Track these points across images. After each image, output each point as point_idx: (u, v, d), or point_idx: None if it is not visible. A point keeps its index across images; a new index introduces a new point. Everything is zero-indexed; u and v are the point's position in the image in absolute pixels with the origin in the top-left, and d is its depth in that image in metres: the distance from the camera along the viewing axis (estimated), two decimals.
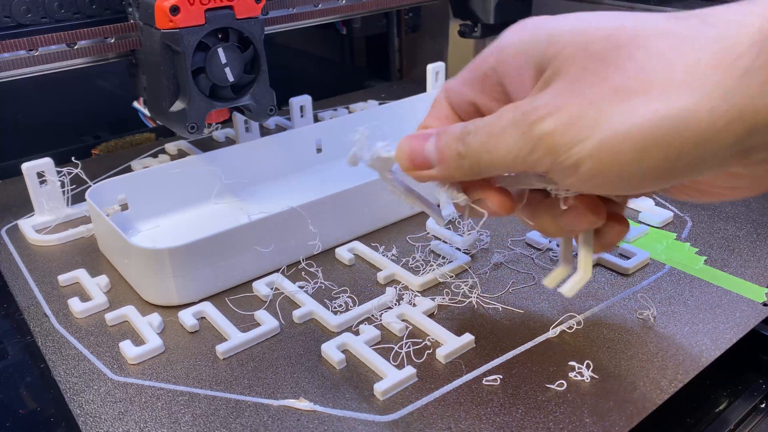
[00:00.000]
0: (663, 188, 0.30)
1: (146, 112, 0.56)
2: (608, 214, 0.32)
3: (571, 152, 0.25)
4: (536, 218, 0.34)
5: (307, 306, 0.43)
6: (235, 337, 0.40)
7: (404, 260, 0.48)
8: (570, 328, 0.40)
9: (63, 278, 0.47)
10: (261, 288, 0.45)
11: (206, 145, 0.69)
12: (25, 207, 0.56)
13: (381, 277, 0.46)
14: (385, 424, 0.34)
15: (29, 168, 0.52)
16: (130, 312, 0.43)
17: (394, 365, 0.38)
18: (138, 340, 0.41)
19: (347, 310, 0.43)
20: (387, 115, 0.67)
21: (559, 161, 0.26)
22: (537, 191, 0.34)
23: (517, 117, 0.27)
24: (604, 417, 0.34)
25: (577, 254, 0.35)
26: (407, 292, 0.44)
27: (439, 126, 0.33)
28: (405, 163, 0.32)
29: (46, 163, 0.53)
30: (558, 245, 0.49)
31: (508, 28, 0.32)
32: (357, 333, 0.41)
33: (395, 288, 0.45)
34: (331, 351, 0.39)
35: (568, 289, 0.35)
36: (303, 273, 0.47)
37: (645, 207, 0.54)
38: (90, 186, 0.51)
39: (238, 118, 0.65)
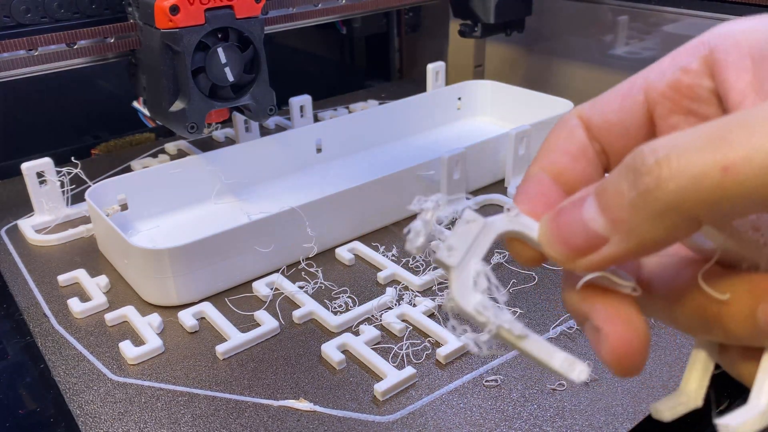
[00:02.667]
0: None
1: (146, 112, 0.56)
2: None
3: None
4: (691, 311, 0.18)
5: (307, 306, 0.43)
6: (234, 338, 0.40)
7: (404, 260, 0.48)
8: (570, 328, 0.40)
9: (62, 278, 0.47)
10: (261, 288, 0.45)
11: (206, 144, 0.69)
12: (24, 207, 0.56)
13: (381, 277, 0.46)
14: (385, 425, 0.34)
15: (29, 168, 0.52)
16: (129, 312, 0.43)
17: (394, 366, 0.38)
18: (138, 341, 0.41)
19: (347, 310, 0.43)
20: (387, 114, 0.67)
21: None
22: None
23: None
24: (605, 417, 0.34)
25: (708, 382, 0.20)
26: (407, 292, 0.44)
27: (575, 167, 0.21)
28: (558, 249, 0.19)
29: (45, 163, 0.53)
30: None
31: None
32: (357, 333, 0.41)
33: (395, 288, 0.45)
34: (331, 351, 0.39)
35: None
36: (303, 273, 0.47)
37: None
38: (90, 186, 0.51)
39: (238, 117, 0.65)
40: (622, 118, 0.21)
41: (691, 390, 0.20)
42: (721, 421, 0.17)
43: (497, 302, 0.18)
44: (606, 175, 0.18)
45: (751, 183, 0.14)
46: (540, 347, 0.18)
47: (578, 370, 0.18)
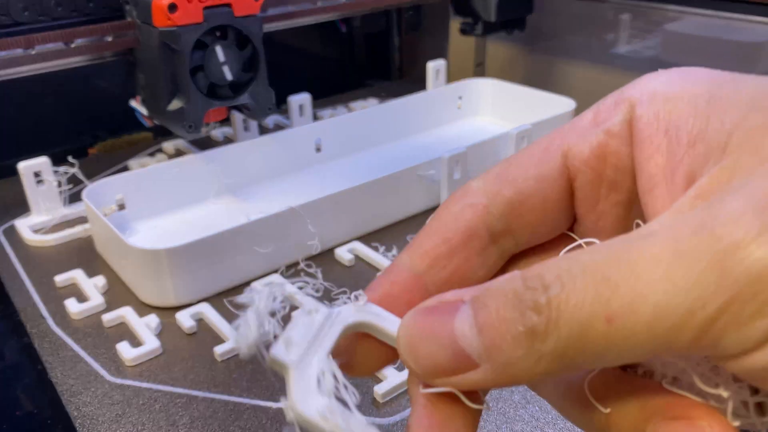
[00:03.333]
0: None
1: (144, 111, 0.56)
2: None
3: None
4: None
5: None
6: (233, 339, 0.40)
7: None
8: None
9: (60, 279, 0.47)
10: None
11: (204, 144, 0.68)
12: (21, 207, 0.56)
13: None
14: (385, 427, 0.34)
15: (26, 167, 0.52)
16: (127, 313, 0.43)
17: (394, 367, 0.37)
18: (135, 342, 0.40)
19: None
20: (387, 113, 0.66)
21: None
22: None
23: (701, 235, 0.13)
24: None
25: None
26: None
27: (451, 260, 0.18)
28: (418, 362, 0.16)
29: (42, 162, 0.53)
30: None
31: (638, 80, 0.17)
32: None
33: None
34: None
35: None
36: (302, 273, 0.47)
37: None
38: (87, 186, 0.50)
39: (237, 116, 0.65)
40: (538, 188, 0.18)
41: None
42: None
43: (347, 406, 0.15)
44: (490, 281, 0.15)
45: (637, 338, 0.13)
46: None
47: None
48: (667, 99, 0.16)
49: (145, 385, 0.37)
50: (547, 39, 0.79)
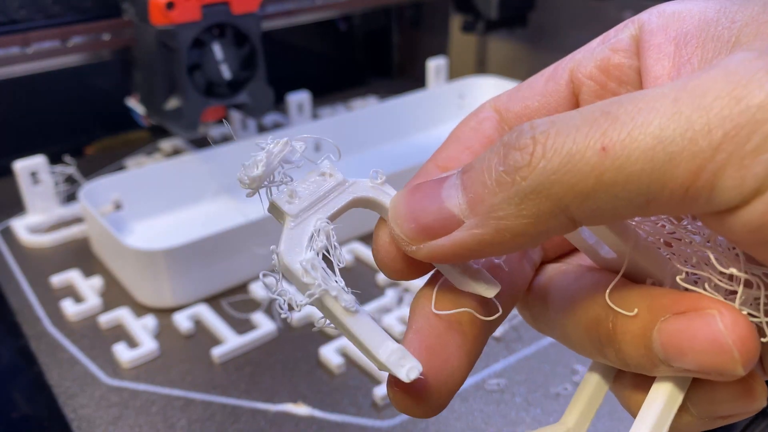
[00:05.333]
0: None
1: (141, 110, 0.55)
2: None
3: None
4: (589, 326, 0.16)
5: (306, 308, 0.42)
6: (231, 341, 0.40)
7: None
8: None
9: (56, 280, 0.47)
10: (258, 290, 0.44)
11: (202, 143, 0.68)
12: (17, 207, 0.55)
13: (381, 279, 0.45)
14: (385, 430, 0.33)
15: (22, 167, 0.52)
16: (124, 314, 0.42)
17: None
18: (132, 343, 0.40)
19: None
20: (387, 112, 0.66)
21: None
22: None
23: (711, 72, 0.12)
24: (610, 422, 0.33)
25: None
26: (408, 294, 0.44)
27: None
28: (404, 225, 0.15)
29: (39, 162, 0.52)
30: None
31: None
32: None
33: (396, 290, 0.44)
34: (329, 355, 0.38)
35: None
36: None
37: None
38: (83, 185, 0.50)
39: (235, 115, 0.64)
40: (545, 102, 0.18)
41: (571, 422, 0.17)
42: None
43: (333, 271, 0.15)
44: None
45: (632, 168, 0.12)
46: (369, 331, 0.15)
47: (408, 368, 0.14)
48: (676, 13, 0.17)
49: (142, 387, 0.37)
50: (549, 36, 0.78)
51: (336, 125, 0.62)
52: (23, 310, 0.44)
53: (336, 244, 0.15)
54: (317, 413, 0.34)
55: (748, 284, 0.14)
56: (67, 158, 0.54)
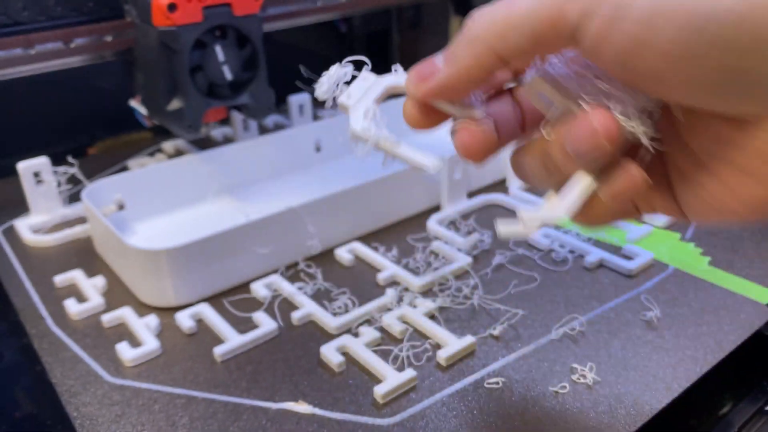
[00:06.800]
0: (710, 102, 0.20)
1: (143, 111, 0.56)
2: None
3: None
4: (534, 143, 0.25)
5: (306, 307, 0.43)
6: (233, 339, 0.40)
7: (405, 261, 0.48)
8: (573, 329, 0.40)
9: (59, 279, 0.47)
10: (259, 289, 0.45)
11: (204, 144, 0.68)
12: (20, 207, 0.56)
13: (381, 278, 0.46)
14: (385, 428, 0.34)
15: (25, 167, 0.52)
16: (126, 313, 0.43)
17: (394, 368, 0.37)
18: (135, 342, 0.40)
19: (347, 311, 0.42)
20: (387, 113, 0.66)
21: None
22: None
23: None
24: (607, 420, 0.33)
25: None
26: (408, 293, 0.44)
27: None
28: (410, 79, 0.26)
29: (42, 162, 0.52)
30: (560, 246, 0.49)
31: None
32: (357, 335, 0.40)
33: (396, 289, 0.44)
34: (330, 353, 0.38)
35: (530, 217, 0.24)
36: (302, 274, 0.47)
37: None
38: (86, 186, 0.50)
39: (237, 116, 0.65)
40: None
41: (552, 199, 0.24)
42: (522, 212, 0.24)
43: (382, 130, 0.27)
44: None
45: (522, 15, 0.21)
46: (411, 151, 0.28)
47: (431, 161, 0.28)
48: None
49: (144, 385, 0.37)
50: None
51: (337, 126, 0.62)
52: (26, 309, 0.45)
53: (379, 115, 0.27)
54: (318, 411, 0.35)
55: (620, 101, 0.22)
56: (70, 159, 0.55)
